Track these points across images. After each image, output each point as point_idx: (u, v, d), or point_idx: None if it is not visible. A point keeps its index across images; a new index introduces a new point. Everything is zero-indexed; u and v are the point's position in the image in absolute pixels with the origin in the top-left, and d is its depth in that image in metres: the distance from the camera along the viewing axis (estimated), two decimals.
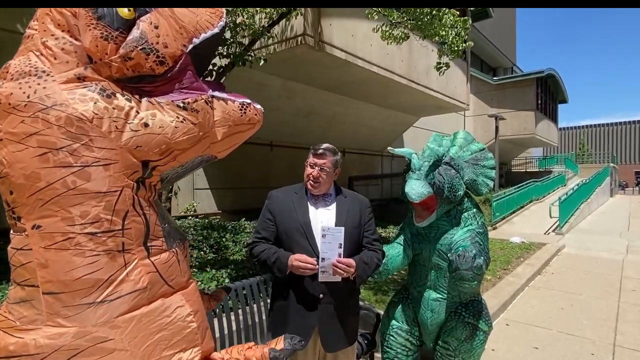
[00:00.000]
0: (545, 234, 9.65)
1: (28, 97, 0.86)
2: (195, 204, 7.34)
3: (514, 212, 11.90)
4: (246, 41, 4.64)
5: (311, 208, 1.77)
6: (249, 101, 1.12)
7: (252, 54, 4.56)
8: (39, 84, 0.88)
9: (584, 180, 14.86)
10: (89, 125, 0.88)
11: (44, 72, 0.89)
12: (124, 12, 0.92)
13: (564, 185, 18.21)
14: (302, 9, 5.07)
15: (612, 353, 3.35)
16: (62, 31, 0.90)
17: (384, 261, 2.09)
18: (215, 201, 7.77)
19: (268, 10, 4.45)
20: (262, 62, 4.42)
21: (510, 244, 7.75)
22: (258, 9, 4.45)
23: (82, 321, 0.88)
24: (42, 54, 0.90)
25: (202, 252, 4.76)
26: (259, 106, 1.14)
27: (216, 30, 1.03)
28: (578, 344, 3.53)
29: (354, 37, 6.19)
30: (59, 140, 0.86)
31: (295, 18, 4.99)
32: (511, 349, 3.40)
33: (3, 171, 0.89)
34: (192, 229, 5.52)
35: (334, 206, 1.80)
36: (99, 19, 0.90)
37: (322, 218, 1.76)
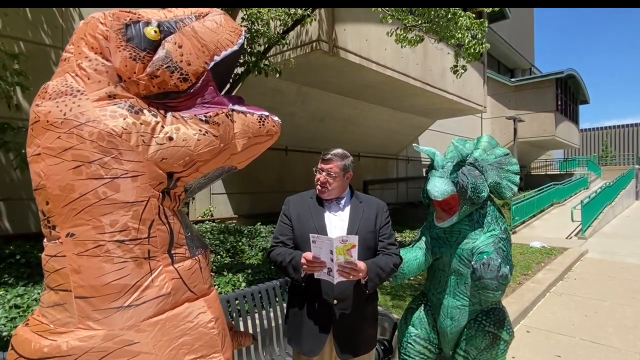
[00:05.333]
0: (567, 238, 9.36)
1: (64, 114, 0.93)
2: (212, 209, 7.45)
3: (534, 215, 11.60)
4: (262, 49, 4.70)
5: (325, 212, 1.78)
6: (267, 113, 1.16)
7: (268, 61, 4.62)
8: (74, 103, 0.94)
9: (607, 183, 14.39)
10: (119, 139, 0.93)
11: (78, 91, 0.95)
12: (150, 34, 0.98)
13: (587, 188, 17.68)
14: (317, 15, 5.11)
15: None
16: (95, 53, 0.97)
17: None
18: (232, 206, 7.86)
19: (283, 17, 4.51)
20: (278, 74, 4.49)
21: (530, 249, 7.55)
22: (272, 16, 4.51)
23: (110, 324, 0.93)
24: (77, 75, 0.97)
25: (219, 256, 4.83)
26: (276, 118, 1.19)
27: (236, 47, 1.09)
28: (603, 352, 3.41)
29: (368, 41, 6.20)
30: (92, 154, 0.92)
31: (310, 24, 5.03)
32: (532, 357, 3.31)
33: (40, 183, 0.95)
34: (209, 233, 5.61)
35: (347, 210, 1.79)
36: (128, 40, 0.97)
37: (335, 222, 1.76)
